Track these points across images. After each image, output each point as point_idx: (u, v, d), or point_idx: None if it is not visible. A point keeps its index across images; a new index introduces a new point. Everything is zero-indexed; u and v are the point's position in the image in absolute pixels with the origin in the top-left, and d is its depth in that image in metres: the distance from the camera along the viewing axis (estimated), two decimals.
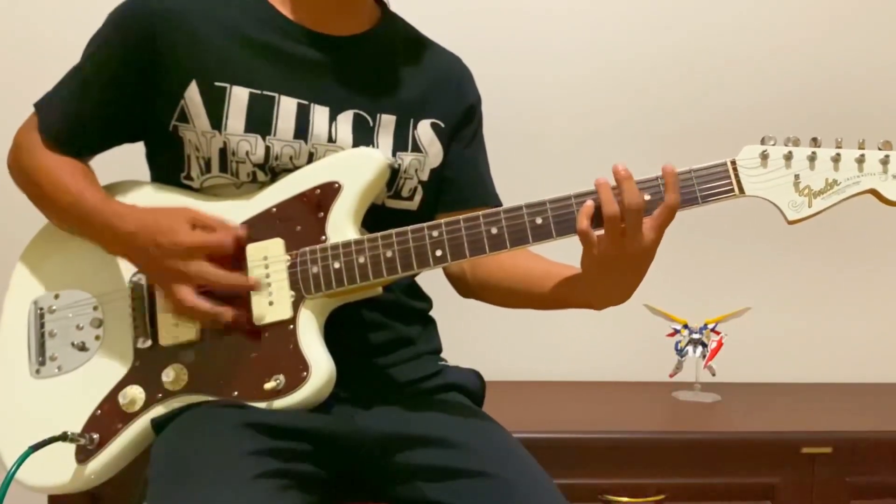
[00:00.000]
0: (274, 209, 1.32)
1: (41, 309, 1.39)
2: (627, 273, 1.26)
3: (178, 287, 1.25)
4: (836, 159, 1.21)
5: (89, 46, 1.38)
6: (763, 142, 1.23)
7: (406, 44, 1.51)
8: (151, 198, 1.38)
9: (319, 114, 1.36)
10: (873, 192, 1.21)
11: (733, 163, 1.23)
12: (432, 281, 1.54)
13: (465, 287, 1.56)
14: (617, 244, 1.21)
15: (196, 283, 1.25)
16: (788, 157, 1.21)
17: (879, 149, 1.21)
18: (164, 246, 1.24)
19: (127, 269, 1.36)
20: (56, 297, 1.39)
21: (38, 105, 1.41)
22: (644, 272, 1.27)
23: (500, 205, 1.54)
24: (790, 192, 1.21)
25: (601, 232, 1.22)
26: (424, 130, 1.46)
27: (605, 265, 1.24)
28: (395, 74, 1.45)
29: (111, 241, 1.32)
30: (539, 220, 1.25)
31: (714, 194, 1.22)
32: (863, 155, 1.21)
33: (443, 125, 1.49)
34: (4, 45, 2.30)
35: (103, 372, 1.34)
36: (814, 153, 1.21)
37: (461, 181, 1.54)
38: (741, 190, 1.22)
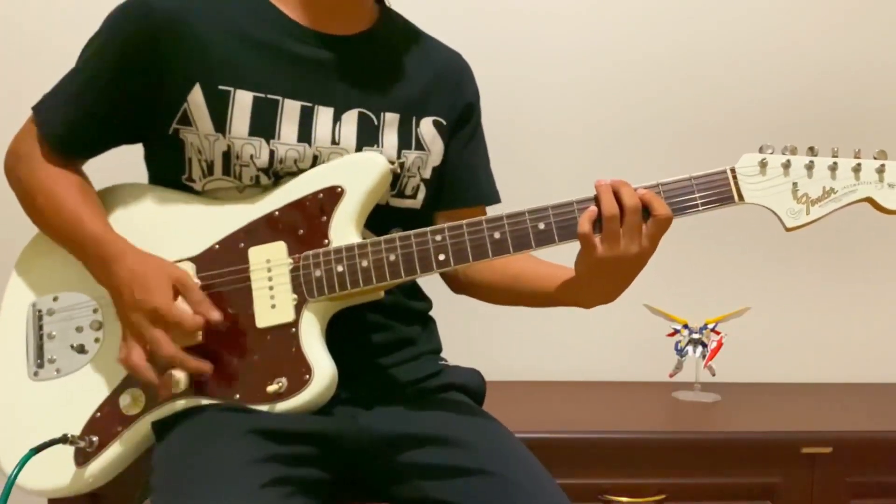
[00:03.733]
0: (277, 213, 1.32)
1: (40, 311, 1.39)
2: (619, 277, 1.28)
3: (132, 344, 1.25)
4: (833, 168, 1.22)
5: (88, 48, 1.37)
6: (761, 150, 1.24)
7: (406, 41, 1.51)
8: (155, 205, 1.38)
9: (323, 115, 1.36)
10: (869, 200, 1.23)
11: (733, 170, 1.24)
12: (433, 282, 1.55)
13: (457, 284, 1.57)
14: (614, 246, 1.22)
15: (149, 347, 1.24)
16: (787, 165, 1.23)
17: (875, 158, 1.22)
18: (138, 301, 1.24)
19: None
20: (55, 299, 1.39)
21: (35, 108, 1.39)
22: (634, 276, 1.29)
23: (499, 201, 1.56)
24: (788, 200, 1.22)
25: (600, 236, 1.23)
26: (427, 128, 1.46)
27: (601, 268, 1.25)
28: (397, 72, 1.46)
29: (99, 274, 1.32)
30: (542, 226, 1.26)
31: (714, 201, 1.24)
32: (859, 164, 1.22)
33: (444, 122, 1.49)
34: (4, 44, 2.30)
35: (103, 374, 1.34)
36: (811, 162, 1.23)
37: (459, 181, 1.55)
38: (740, 197, 1.24)
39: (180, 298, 1.26)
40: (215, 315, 1.26)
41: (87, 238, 1.31)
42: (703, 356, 2.30)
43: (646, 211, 1.23)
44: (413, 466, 1.30)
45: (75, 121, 1.37)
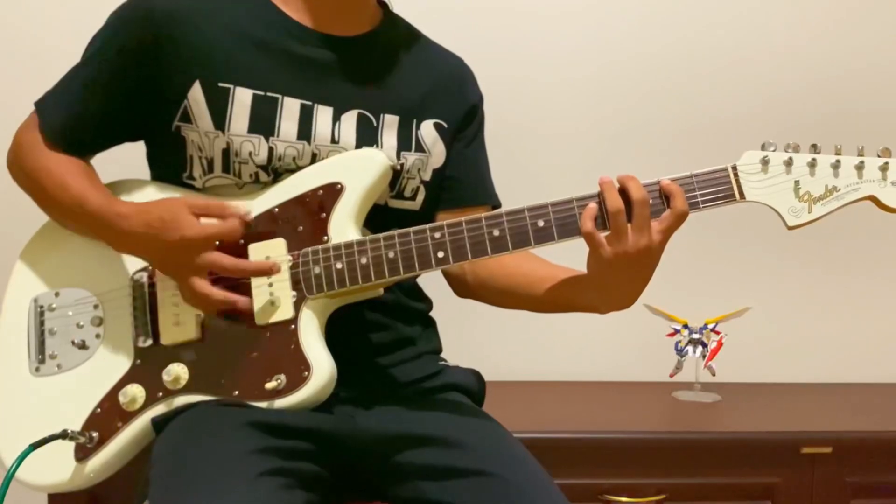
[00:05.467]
0: (276, 209, 1.32)
1: (41, 307, 1.40)
2: (633, 274, 1.27)
3: (193, 280, 1.26)
4: (836, 166, 1.21)
5: (91, 45, 1.38)
6: (764, 147, 1.23)
7: (408, 44, 1.51)
8: (154, 198, 1.37)
9: (323, 114, 1.36)
10: (872, 198, 1.21)
11: (734, 168, 1.24)
12: (433, 282, 1.55)
13: (464, 287, 1.55)
14: (623, 240, 1.21)
15: (212, 272, 1.26)
16: (789, 163, 1.22)
17: (879, 156, 1.21)
18: (173, 242, 1.25)
19: (128, 267, 1.36)
20: (56, 294, 1.40)
21: (38, 104, 1.41)
22: (649, 274, 1.28)
23: (500, 205, 1.55)
24: (790, 198, 1.22)
25: (606, 234, 1.23)
26: (428, 131, 1.46)
27: (612, 265, 1.24)
28: (398, 75, 1.46)
29: (117, 241, 1.32)
30: (541, 223, 1.25)
31: (715, 199, 1.23)
32: (862, 162, 1.21)
33: (445, 125, 1.49)
34: (4, 43, 2.29)
35: (104, 370, 1.34)
36: (814, 160, 1.22)
37: (462, 180, 1.54)
38: (742, 195, 1.23)
39: (202, 218, 1.27)
40: (241, 208, 1.29)
41: (94, 210, 1.31)
42: (703, 356, 2.30)
43: (660, 204, 1.23)
44: (412, 467, 1.30)
45: (76, 118, 1.38)
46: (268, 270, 1.27)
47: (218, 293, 1.26)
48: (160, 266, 1.32)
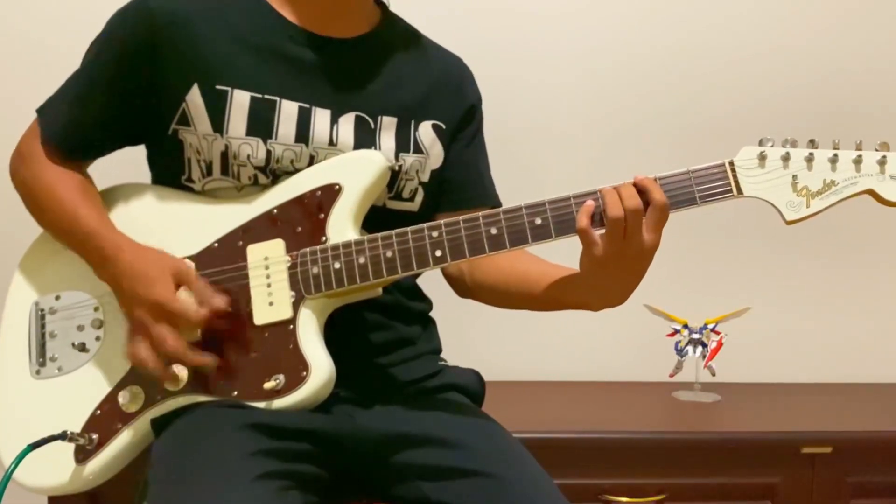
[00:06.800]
0: (275, 211, 1.32)
1: (42, 310, 1.40)
2: (626, 274, 1.26)
3: (136, 339, 1.25)
4: (834, 160, 1.21)
5: (90, 51, 1.38)
6: (761, 143, 1.23)
7: (407, 45, 1.51)
8: (156, 204, 1.39)
9: (321, 117, 1.36)
10: (871, 192, 1.21)
11: (731, 164, 1.23)
12: (433, 282, 1.55)
13: (464, 288, 1.55)
14: (617, 245, 1.21)
15: (153, 342, 1.24)
16: (786, 158, 1.22)
17: (876, 150, 1.21)
18: (140, 295, 1.24)
19: None
20: (57, 297, 1.40)
21: (40, 110, 1.41)
22: (642, 274, 1.27)
23: (500, 205, 1.54)
24: (788, 193, 1.21)
25: (601, 231, 1.22)
26: (426, 132, 1.46)
27: (605, 265, 1.24)
28: (396, 76, 1.45)
29: (99, 270, 1.33)
30: (538, 221, 1.25)
31: (712, 195, 1.23)
32: (860, 156, 1.21)
33: (444, 126, 1.49)
34: (6, 49, 2.30)
35: (103, 372, 1.34)
36: (811, 154, 1.21)
37: (461, 181, 1.54)
38: (739, 190, 1.22)
39: (182, 289, 1.26)
40: (219, 302, 1.26)
41: (85, 234, 1.32)
42: (703, 356, 2.30)
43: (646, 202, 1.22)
44: (411, 467, 1.30)
45: (77, 123, 1.38)
46: (204, 366, 1.25)
47: (151, 365, 1.24)
48: (124, 308, 1.31)
